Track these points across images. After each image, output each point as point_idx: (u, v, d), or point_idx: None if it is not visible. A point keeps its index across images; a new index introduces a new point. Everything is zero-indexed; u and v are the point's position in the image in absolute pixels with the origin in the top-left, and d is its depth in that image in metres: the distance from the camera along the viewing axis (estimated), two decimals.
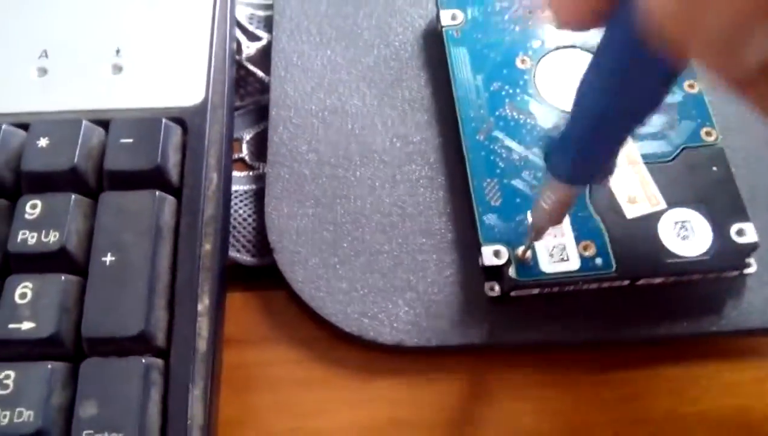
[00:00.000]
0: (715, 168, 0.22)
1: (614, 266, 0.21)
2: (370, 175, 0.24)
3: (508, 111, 0.24)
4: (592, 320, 0.21)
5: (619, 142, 0.17)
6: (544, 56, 0.25)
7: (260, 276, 0.23)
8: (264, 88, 0.26)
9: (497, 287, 0.21)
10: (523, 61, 0.25)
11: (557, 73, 0.25)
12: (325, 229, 0.23)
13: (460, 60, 0.25)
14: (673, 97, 0.24)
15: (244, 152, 0.25)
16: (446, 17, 0.26)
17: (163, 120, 0.21)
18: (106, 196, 0.20)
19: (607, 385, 0.21)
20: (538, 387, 0.21)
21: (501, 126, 0.24)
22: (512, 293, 0.21)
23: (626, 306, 0.21)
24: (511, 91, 0.24)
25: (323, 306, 0.22)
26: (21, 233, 0.20)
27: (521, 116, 0.24)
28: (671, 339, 0.21)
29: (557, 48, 0.25)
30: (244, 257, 0.23)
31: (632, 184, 0.22)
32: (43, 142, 0.21)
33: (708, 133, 0.23)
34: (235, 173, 0.25)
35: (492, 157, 0.23)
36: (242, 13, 0.28)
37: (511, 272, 0.21)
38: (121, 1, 0.24)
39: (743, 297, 0.22)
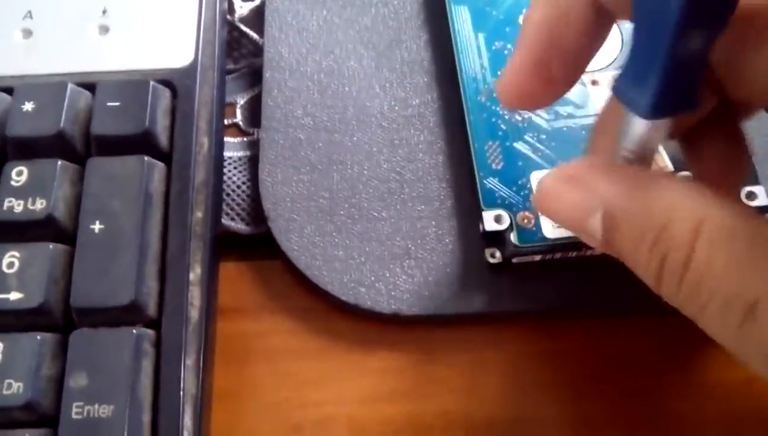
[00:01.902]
0: None
1: None
2: (368, 140, 0.23)
3: None
4: (597, 288, 0.21)
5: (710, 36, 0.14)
6: None
7: (255, 245, 0.22)
8: (258, 50, 0.26)
9: (498, 254, 0.21)
10: None
11: None
12: (321, 196, 0.22)
13: (460, 18, 0.24)
14: None
15: (238, 117, 0.25)
16: None
17: (151, 82, 0.21)
18: (94, 162, 0.20)
19: (611, 354, 0.21)
20: (539, 356, 0.21)
21: None
22: (513, 260, 0.21)
23: (632, 273, 0.21)
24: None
25: (319, 275, 0.21)
26: (7, 200, 0.19)
27: None
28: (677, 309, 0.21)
29: None
30: (238, 226, 0.22)
31: None
32: (28, 106, 0.20)
33: None
34: (229, 139, 0.24)
35: (494, 119, 0.22)
36: None
37: (513, 237, 0.20)
38: None
39: None
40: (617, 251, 0.16)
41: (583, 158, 0.17)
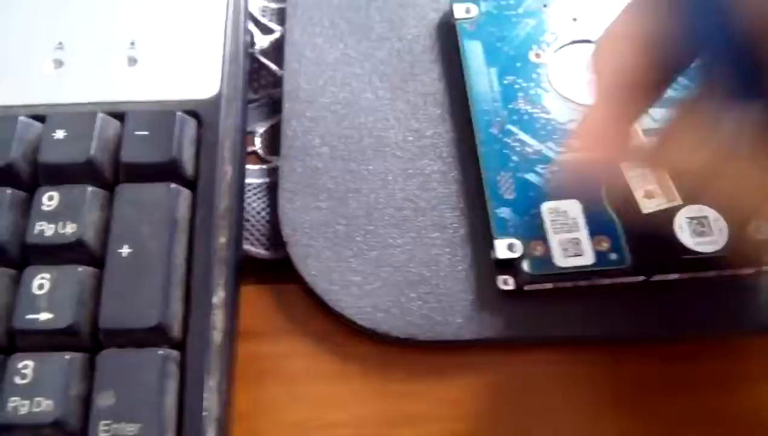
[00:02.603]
0: None
1: (629, 261, 0.21)
2: (383, 169, 0.24)
3: (521, 105, 0.24)
4: (607, 315, 0.21)
5: None
6: (558, 50, 0.25)
7: (274, 269, 0.23)
8: (277, 81, 0.26)
9: (511, 281, 0.21)
10: (537, 55, 0.25)
11: (571, 67, 0.25)
12: (338, 222, 0.23)
13: (473, 53, 0.25)
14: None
15: (258, 146, 0.25)
16: (460, 10, 0.26)
17: (178, 113, 0.21)
18: (123, 189, 0.21)
19: (621, 381, 0.21)
20: (550, 382, 0.21)
21: (514, 120, 0.24)
22: (526, 288, 0.21)
23: (641, 302, 0.21)
24: (524, 84, 0.24)
25: (336, 299, 0.22)
26: (38, 224, 0.20)
27: (535, 110, 0.24)
28: (685, 336, 0.21)
29: (572, 42, 0.25)
30: (258, 251, 0.23)
31: (649, 178, 0.22)
32: (59, 134, 0.21)
33: None
34: (249, 167, 0.25)
35: (505, 151, 0.23)
36: (255, 6, 0.28)
37: (525, 265, 0.21)
38: None
39: (760, 295, 0.22)
40: None
41: None
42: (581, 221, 0.21)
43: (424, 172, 0.24)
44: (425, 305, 0.22)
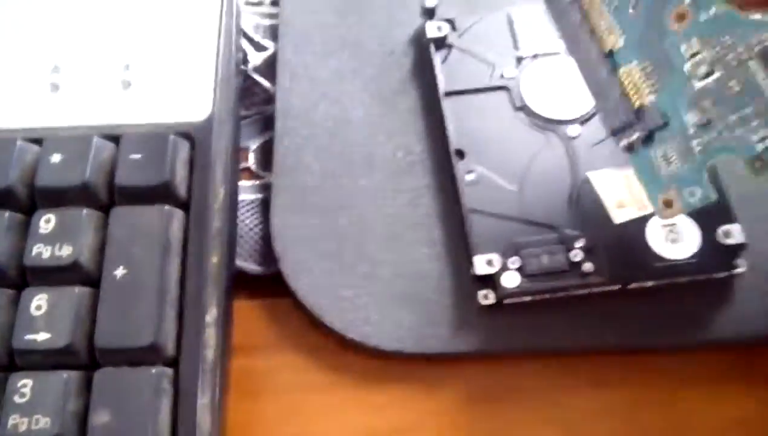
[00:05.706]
0: None
1: (605, 271, 0.21)
2: (373, 186, 0.24)
3: None
4: (586, 325, 0.22)
5: None
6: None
7: (266, 284, 0.23)
8: (270, 97, 0.27)
9: (491, 295, 0.22)
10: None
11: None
12: (329, 238, 0.23)
13: None
14: None
15: (251, 161, 0.26)
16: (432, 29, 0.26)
17: (171, 136, 0.22)
18: (117, 211, 0.21)
19: (603, 390, 0.22)
20: (535, 393, 0.22)
21: None
22: (505, 301, 0.22)
23: (619, 311, 0.22)
24: None
25: (327, 314, 0.22)
26: (36, 247, 0.20)
27: None
28: (664, 343, 0.22)
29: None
30: (250, 266, 0.24)
31: (619, 188, 0.23)
32: (55, 157, 0.22)
33: None
34: (242, 183, 0.25)
35: None
36: (248, 23, 0.28)
37: (503, 280, 0.21)
38: (130, 17, 0.25)
39: (734, 299, 0.22)
40: None
41: None
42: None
43: (413, 188, 0.24)
44: (413, 319, 0.22)
